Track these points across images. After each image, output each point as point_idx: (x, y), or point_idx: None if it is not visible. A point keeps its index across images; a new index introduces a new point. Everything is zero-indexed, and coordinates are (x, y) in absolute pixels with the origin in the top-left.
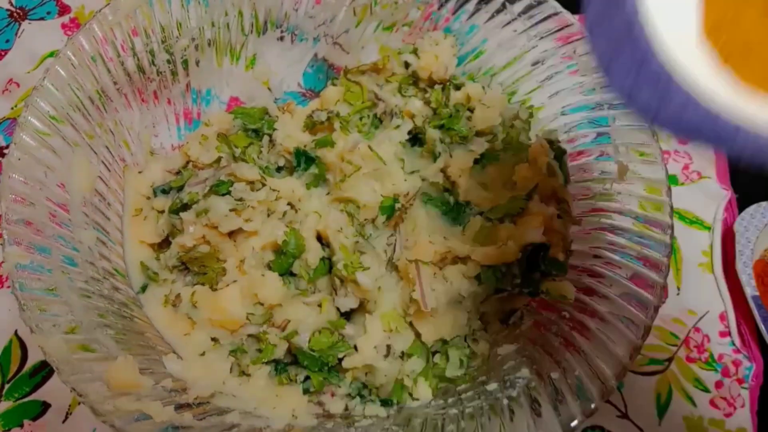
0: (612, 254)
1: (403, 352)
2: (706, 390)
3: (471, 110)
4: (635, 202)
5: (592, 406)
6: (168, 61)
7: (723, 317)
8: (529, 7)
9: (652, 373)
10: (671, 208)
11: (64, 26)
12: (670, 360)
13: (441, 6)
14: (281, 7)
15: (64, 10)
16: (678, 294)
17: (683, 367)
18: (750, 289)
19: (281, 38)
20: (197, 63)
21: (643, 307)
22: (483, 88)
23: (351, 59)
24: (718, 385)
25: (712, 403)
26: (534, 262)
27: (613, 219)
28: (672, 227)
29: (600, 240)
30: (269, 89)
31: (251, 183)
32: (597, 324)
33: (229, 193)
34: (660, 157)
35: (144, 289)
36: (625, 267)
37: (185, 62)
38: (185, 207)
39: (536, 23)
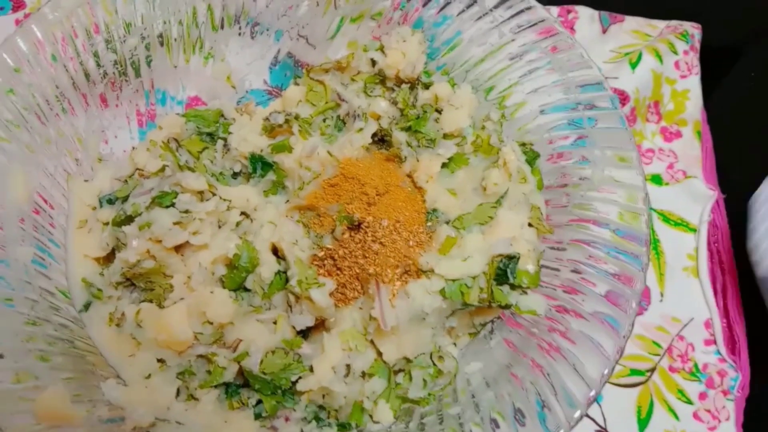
0: (587, 267)
1: (363, 372)
2: (689, 402)
3: (439, 111)
4: (613, 211)
5: None
6: (115, 63)
7: (708, 324)
8: (501, 2)
9: (633, 384)
10: (649, 216)
11: (18, 22)
12: (652, 370)
13: None
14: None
15: (18, 5)
16: (661, 300)
17: (666, 377)
18: (762, 269)
19: (240, 33)
20: (149, 63)
21: (615, 326)
22: (453, 86)
23: (318, 54)
24: (702, 396)
25: (696, 415)
26: (503, 274)
27: (591, 230)
28: (649, 238)
29: (575, 252)
30: (233, 87)
31: (200, 193)
32: (568, 344)
33: (173, 204)
34: (638, 162)
35: (87, 307)
36: (600, 281)
37: (135, 63)
38: (129, 219)
39: (511, 17)
